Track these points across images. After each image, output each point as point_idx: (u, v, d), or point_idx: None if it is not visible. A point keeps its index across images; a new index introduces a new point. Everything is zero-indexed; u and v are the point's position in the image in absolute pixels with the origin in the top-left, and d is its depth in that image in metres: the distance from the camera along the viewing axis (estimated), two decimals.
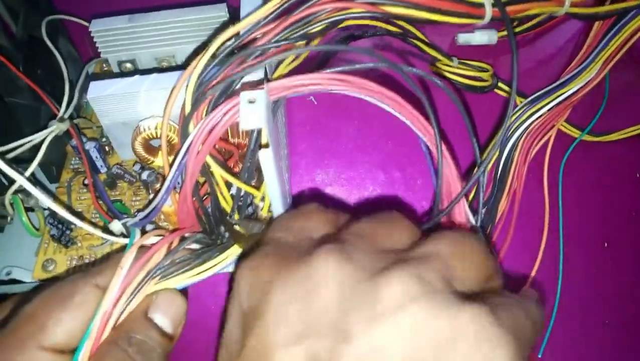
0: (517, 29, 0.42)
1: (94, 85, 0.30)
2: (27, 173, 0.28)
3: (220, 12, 0.33)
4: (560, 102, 0.37)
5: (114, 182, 0.32)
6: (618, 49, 0.38)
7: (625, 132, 0.40)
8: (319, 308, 0.18)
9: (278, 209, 0.27)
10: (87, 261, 0.30)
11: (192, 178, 0.25)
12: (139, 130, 0.30)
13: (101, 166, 0.33)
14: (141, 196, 0.32)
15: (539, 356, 0.35)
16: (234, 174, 0.26)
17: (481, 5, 0.27)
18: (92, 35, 0.34)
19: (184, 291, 0.26)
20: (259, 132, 0.23)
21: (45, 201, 0.26)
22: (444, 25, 0.37)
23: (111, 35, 0.34)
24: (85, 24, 0.38)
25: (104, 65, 0.38)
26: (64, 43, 0.38)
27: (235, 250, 0.27)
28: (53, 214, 0.30)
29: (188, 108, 0.24)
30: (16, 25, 0.33)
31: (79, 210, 0.32)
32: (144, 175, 0.31)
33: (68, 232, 0.30)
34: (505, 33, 0.42)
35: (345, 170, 0.40)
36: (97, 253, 0.30)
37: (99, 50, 0.35)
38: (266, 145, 0.23)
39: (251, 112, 0.22)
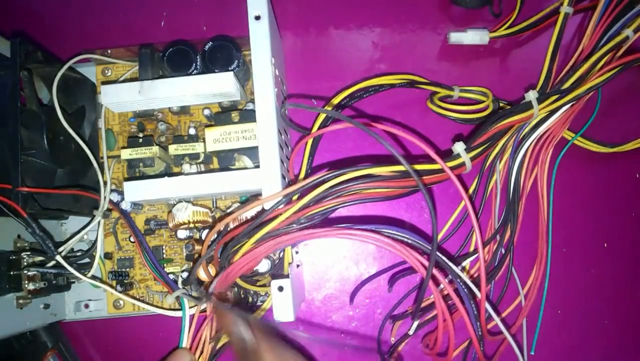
0: (513, 29, 0.42)
1: (128, 188, 0.34)
2: (90, 274, 0.36)
3: (229, 89, 0.34)
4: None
5: (152, 230, 0.39)
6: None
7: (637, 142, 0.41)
8: None
9: None
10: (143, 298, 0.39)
11: None
12: (172, 216, 0.36)
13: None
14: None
15: (532, 353, 0.37)
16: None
17: (462, 165, 0.31)
18: (102, 105, 0.35)
19: None
20: None
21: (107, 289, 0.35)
22: (436, 24, 0.41)
23: (122, 105, 0.35)
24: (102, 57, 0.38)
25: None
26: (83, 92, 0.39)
27: None
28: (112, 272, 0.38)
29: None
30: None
31: (128, 250, 0.39)
32: (180, 235, 0.38)
33: (126, 279, 0.39)
34: (497, 34, 0.42)
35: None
36: (153, 295, 0.39)
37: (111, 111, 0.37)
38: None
39: (283, 304, 0.29)
